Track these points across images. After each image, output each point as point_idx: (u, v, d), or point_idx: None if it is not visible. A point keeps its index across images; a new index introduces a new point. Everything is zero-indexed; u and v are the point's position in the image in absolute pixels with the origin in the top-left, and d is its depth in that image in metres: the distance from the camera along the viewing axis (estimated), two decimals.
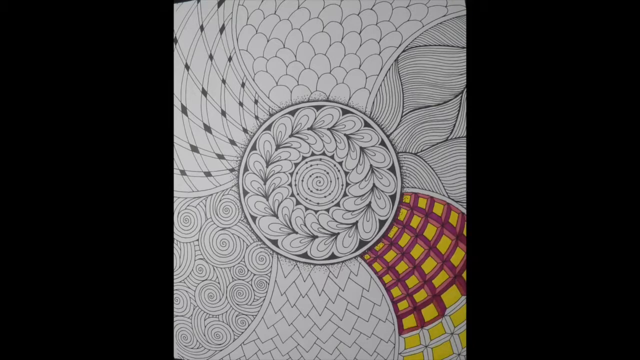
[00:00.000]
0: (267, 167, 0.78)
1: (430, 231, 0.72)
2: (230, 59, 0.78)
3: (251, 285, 0.80)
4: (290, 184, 0.77)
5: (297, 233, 0.78)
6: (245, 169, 0.79)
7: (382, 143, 0.73)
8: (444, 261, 0.71)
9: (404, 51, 0.71)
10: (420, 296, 0.73)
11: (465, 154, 0.70)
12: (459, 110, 0.70)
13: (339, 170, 0.75)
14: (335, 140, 0.75)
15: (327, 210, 0.76)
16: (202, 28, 0.79)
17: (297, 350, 0.78)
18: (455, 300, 0.71)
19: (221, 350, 0.82)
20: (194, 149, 0.81)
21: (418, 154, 0.72)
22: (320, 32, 0.74)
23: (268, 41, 0.76)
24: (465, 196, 0.70)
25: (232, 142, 0.79)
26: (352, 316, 0.76)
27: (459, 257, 0.71)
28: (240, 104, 0.78)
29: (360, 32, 0.72)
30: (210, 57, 0.79)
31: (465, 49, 0.68)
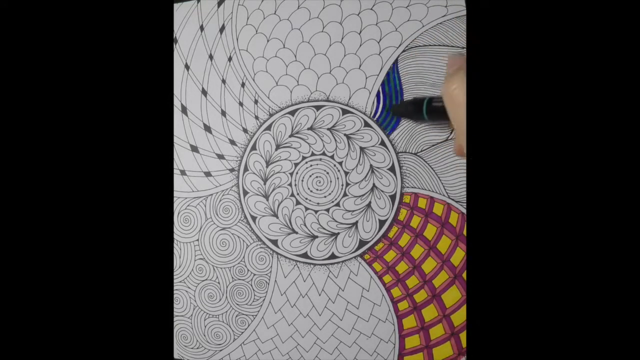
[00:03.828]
0: (267, 167, 0.78)
1: (430, 231, 0.72)
2: (230, 59, 0.78)
3: (251, 285, 0.80)
4: (290, 184, 0.77)
5: (297, 233, 0.77)
6: (245, 169, 0.79)
7: (382, 143, 0.73)
8: (444, 261, 0.71)
9: (404, 51, 0.71)
10: (420, 296, 0.73)
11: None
12: None
13: (339, 170, 0.75)
14: (335, 140, 0.75)
15: (327, 210, 0.76)
16: (202, 28, 0.79)
17: (297, 350, 0.78)
18: (456, 301, 0.71)
19: (221, 350, 0.82)
20: (194, 149, 0.81)
21: (418, 154, 0.71)
22: (320, 32, 0.74)
23: (268, 41, 0.76)
24: (465, 196, 0.70)
25: (232, 142, 0.79)
26: (352, 316, 0.76)
27: (459, 257, 0.71)
28: (240, 104, 0.78)
29: (360, 32, 0.72)
30: (210, 57, 0.79)
31: (465, 49, 0.68)
